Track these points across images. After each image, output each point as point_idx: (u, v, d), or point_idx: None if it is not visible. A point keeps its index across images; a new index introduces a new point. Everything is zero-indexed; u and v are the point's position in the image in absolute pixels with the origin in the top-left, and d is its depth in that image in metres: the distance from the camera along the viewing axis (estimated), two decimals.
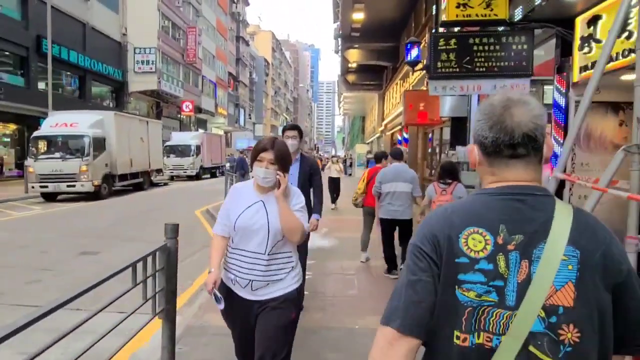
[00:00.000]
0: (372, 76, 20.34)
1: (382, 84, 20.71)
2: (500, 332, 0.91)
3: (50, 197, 14.23)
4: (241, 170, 14.03)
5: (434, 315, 0.96)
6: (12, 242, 8.01)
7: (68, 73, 25.93)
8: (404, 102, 9.88)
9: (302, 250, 3.62)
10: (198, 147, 26.16)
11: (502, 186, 1.00)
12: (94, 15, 26.82)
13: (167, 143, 26.81)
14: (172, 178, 26.04)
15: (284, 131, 4.15)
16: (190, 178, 25.68)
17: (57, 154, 13.80)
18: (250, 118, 66.20)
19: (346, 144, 65.16)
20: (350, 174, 26.76)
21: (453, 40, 4.87)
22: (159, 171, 20.87)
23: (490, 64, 4.85)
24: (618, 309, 0.93)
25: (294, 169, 3.87)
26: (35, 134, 14.29)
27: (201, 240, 8.04)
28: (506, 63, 4.83)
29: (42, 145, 14.19)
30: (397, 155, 5.79)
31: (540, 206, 0.96)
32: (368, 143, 32.72)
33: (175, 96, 35.31)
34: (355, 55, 17.94)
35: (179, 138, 26.87)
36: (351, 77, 20.39)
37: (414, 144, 13.65)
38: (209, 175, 28.47)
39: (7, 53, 21.17)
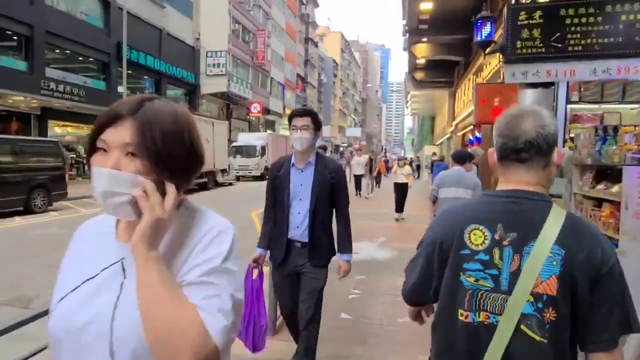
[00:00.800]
0: (441, 73, 18.96)
1: (453, 81, 19.26)
2: (497, 312, 1.15)
3: None
4: None
5: (442, 296, 1.24)
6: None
7: (145, 77, 27.42)
8: (475, 97, 8.69)
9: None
10: (263, 148, 26.32)
11: (504, 190, 1.23)
12: (169, 22, 28.08)
13: (234, 144, 27.36)
14: (238, 178, 26.45)
15: (290, 118, 2.91)
16: (255, 178, 25.92)
17: None
18: None
19: (415, 145, 63.05)
20: (417, 177, 25.46)
21: (538, 13, 3.83)
22: (224, 171, 21.12)
23: (588, 41, 3.76)
24: (591, 301, 1.11)
25: (306, 176, 2.84)
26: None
27: (253, 244, 7.59)
28: (612, 39, 3.71)
29: None
30: (459, 158, 4.91)
31: (535, 209, 1.17)
32: (438, 144, 31.01)
33: (244, 98, 36.08)
34: (423, 50, 16.73)
35: (244, 139, 27.25)
36: (419, 75, 19.17)
37: (488, 146, 12.30)
38: None
39: (91, 59, 22.70)
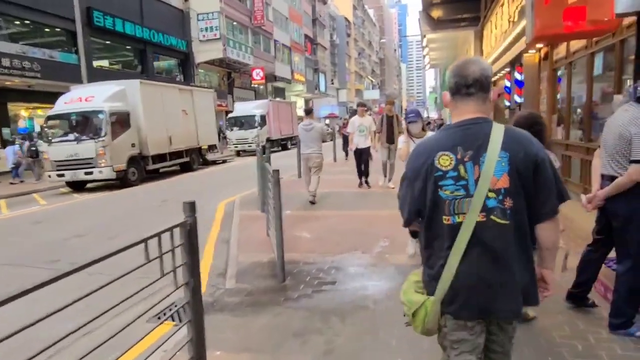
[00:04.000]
0: (464, 6, 15.32)
1: (479, 16, 15.54)
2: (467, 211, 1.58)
3: (77, 186, 12.21)
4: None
5: (429, 208, 1.64)
6: None
7: (128, 47, 24.58)
8: None
9: None
10: (263, 118, 23.33)
11: (458, 121, 1.64)
12: None
13: (230, 115, 24.50)
14: (238, 153, 23.69)
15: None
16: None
17: (72, 136, 11.57)
18: (332, 83, 62.40)
19: (438, 104, 58.56)
20: None
21: None
22: (213, 147, 18.31)
23: None
24: (535, 184, 1.56)
25: None
26: (49, 113, 12.22)
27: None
28: None
29: (57, 126, 12.09)
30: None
31: (482, 129, 1.59)
32: None
33: (244, 64, 32.85)
34: None
35: (241, 109, 24.26)
36: (436, 12, 15.53)
37: (533, 90, 8.94)
38: (279, 148, 25.65)
39: (58, 29, 19.92)
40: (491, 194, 1.54)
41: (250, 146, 22.96)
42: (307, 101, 48.33)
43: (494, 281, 1.57)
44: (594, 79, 6.33)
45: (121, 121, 12.08)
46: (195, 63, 29.48)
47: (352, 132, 9.21)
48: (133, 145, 12.52)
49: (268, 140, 23.67)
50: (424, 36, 17.28)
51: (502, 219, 1.55)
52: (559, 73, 8.10)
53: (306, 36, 48.08)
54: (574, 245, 4.22)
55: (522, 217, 1.57)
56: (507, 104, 11.55)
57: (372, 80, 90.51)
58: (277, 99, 35.56)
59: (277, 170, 4.18)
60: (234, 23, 31.98)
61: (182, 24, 28.28)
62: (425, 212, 1.66)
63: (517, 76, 9.76)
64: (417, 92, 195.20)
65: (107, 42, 22.76)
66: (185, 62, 29.07)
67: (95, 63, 21.36)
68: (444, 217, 1.60)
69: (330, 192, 8.95)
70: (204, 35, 29.07)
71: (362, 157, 9.21)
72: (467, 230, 1.55)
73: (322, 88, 54.62)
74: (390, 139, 8.65)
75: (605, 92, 6.11)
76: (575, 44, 6.95)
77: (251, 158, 22.42)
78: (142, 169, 12.95)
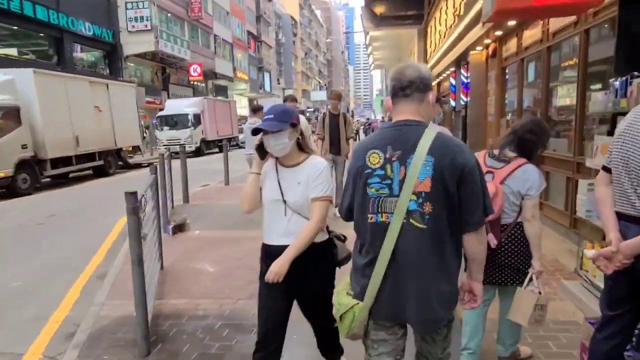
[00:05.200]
0: (408, 3, 14.57)
1: (423, 14, 14.85)
2: (392, 211, 1.56)
3: None
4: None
5: (357, 206, 1.65)
6: None
7: (42, 34, 21.79)
8: None
9: None
10: (197, 117, 21.48)
11: (394, 121, 1.64)
12: None
13: (159, 113, 22.39)
14: (170, 155, 21.63)
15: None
16: (191, 154, 21.25)
17: None
18: (279, 83, 60.87)
19: (384, 106, 58.79)
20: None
21: None
22: (136, 149, 16.33)
23: None
24: (460, 195, 1.53)
25: None
26: None
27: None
28: None
29: None
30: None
31: (414, 131, 1.57)
32: None
33: (180, 59, 30.62)
34: None
35: (173, 106, 22.22)
36: (379, 8, 14.65)
37: (480, 91, 8.13)
38: (217, 150, 23.85)
39: None
40: (412, 197, 1.54)
41: (182, 148, 21.03)
42: (251, 100, 46.57)
43: (408, 287, 1.57)
44: (552, 77, 5.48)
45: (8, 118, 10.02)
46: (124, 56, 26.94)
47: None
48: (24, 146, 10.46)
49: (203, 141, 21.89)
50: (367, 33, 16.36)
51: (420, 222, 1.54)
52: (508, 72, 7.31)
53: (250, 33, 46.25)
54: (553, 293, 3.23)
55: (441, 224, 1.55)
56: (453, 104, 10.76)
57: (319, 81, 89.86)
58: (215, 97, 33.61)
59: (134, 193, 2.80)
60: (168, 14, 29.71)
61: (108, 12, 25.67)
62: (354, 210, 1.69)
63: (463, 76, 8.95)
64: (364, 95, 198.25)
65: (15, 27, 19.97)
66: (112, 55, 26.43)
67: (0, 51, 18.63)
68: (368, 215, 1.61)
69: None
70: (133, 26, 26.62)
71: None
72: (394, 231, 1.56)
73: (267, 87, 52.95)
74: (336, 148, 6.27)
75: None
76: (529, 38, 6.12)
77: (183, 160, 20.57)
78: (37, 175, 10.89)
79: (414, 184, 1.51)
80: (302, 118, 7.02)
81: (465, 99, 8.97)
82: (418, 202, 1.52)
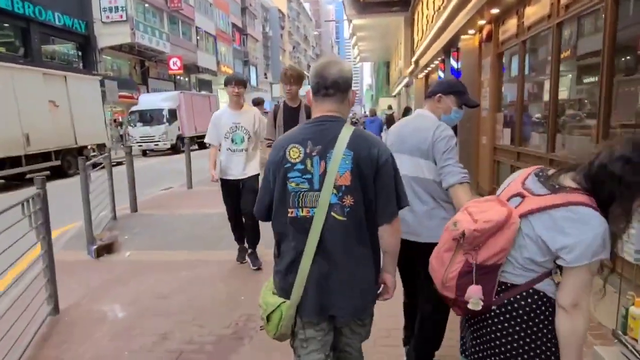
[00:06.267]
0: None
1: (409, 0, 13.73)
2: (313, 205, 1.56)
3: None
4: None
5: (276, 200, 1.62)
6: None
7: (6, 24, 20.32)
8: None
9: None
10: (173, 112, 20.22)
11: (314, 117, 1.66)
12: None
13: (133, 108, 21.05)
14: (144, 153, 20.38)
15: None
16: (167, 152, 20.02)
17: None
18: (266, 77, 59.49)
19: (373, 101, 57.79)
20: None
21: None
22: (102, 147, 15.06)
23: None
24: (375, 187, 1.58)
25: None
26: None
27: None
28: None
29: None
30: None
31: (333, 127, 1.60)
32: (394, 95, 25.68)
33: (159, 51, 29.24)
34: None
35: (147, 101, 20.87)
36: None
37: (472, 81, 7.04)
38: (196, 147, 22.56)
39: None
40: (333, 190, 1.56)
41: (157, 145, 19.80)
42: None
43: (333, 279, 1.58)
44: (565, 62, 4.41)
45: None
46: (98, 48, 25.52)
47: (214, 145, 4.31)
48: None
49: (179, 137, 20.62)
50: (350, 22, 15.21)
51: (340, 215, 1.57)
52: (506, 58, 6.24)
53: (234, 25, 44.79)
54: None
55: (360, 216, 1.58)
56: None
57: (308, 76, 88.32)
58: (199, 91, 32.27)
59: None
60: (146, 5, 28.31)
61: (81, 2, 24.19)
62: (273, 206, 1.66)
63: (453, 64, 7.88)
64: (355, 89, 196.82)
65: None
66: (86, 47, 24.99)
67: None
68: (288, 209, 1.60)
69: (212, 213, 6.38)
70: (107, 17, 25.18)
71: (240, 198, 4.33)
72: (317, 226, 1.55)
73: (254, 82, 51.56)
74: None
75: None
76: (532, 15, 5.04)
77: (157, 159, 19.30)
78: None
79: (335, 178, 1.55)
80: (252, 113, 4.26)
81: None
82: (338, 196, 1.56)
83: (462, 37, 7.36)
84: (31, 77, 11.74)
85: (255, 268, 4.20)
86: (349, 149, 1.55)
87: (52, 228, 3.55)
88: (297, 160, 1.58)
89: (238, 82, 4.14)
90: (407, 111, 11.45)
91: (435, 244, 1.58)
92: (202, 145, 23.06)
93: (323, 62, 1.65)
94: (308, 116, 3.42)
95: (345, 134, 1.57)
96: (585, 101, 4.19)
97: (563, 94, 4.56)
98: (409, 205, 1.71)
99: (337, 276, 1.56)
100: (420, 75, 14.23)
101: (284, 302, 1.60)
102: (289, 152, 1.60)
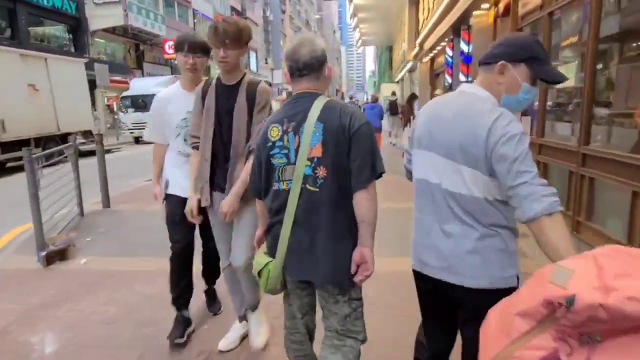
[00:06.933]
0: None
1: None
2: (290, 179, 1.65)
3: None
4: None
5: (264, 177, 1.74)
6: None
7: None
8: None
9: None
10: None
11: (292, 96, 1.74)
12: None
13: (124, 93, 20.26)
14: (136, 140, 19.65)
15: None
16: None
17: None
18: (266, 63, 58.28)
19: (376, 87, 56.67)
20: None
21: None
22: (88, 134, 14.32)
23: None
24: (350, 156, 1.62)
25: None
26: None
27: None
28: None
29: None
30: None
31: (306, 102, 1.67)
32: (397, 82, 24.73)
33: (154, 34, 28.34)
34: None
35: (139, 86, 20.04)
36: None
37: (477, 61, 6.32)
38: None
39: None
40: (307, 162, 1.62)
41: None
42: None
43: (305, 246, 1.66)
44: (604, 36, 3.63)
45: None
46: (90, 30, 24.60)
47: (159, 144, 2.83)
48: None
49: None
50: (351, 1, 14.29)
51: (313, 186, 1.62)
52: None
53: (233, 8, 43.61)
54: None
55: (333, 187, 1.62)
56: (449, 82, 8.85)
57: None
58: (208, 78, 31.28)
59: None
60: None
61: None
62: (263, 181, 1.76)
63: (464, 46, 7.06)
64: (357, 77, 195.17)
65: None
66: (77, 29, 24.10)
67: None
68: (273, 183, 1.70)
69: None
70: None
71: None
72: (294, 198, 1.63)
73: (253, 67, 50.45)
74: (223, 175, 2.45)
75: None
76: None
77: (150, 146, 18.46)
78: None
79: (307, 150, 1.61)
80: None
81: (465, 75, 7.10)
82: (312, 167, 1.62)
83: (474, 12, 6.53)
84: (7, 58, 10.93)
85: (216, 312, 3.14)
86: (319, 121, 1.62)
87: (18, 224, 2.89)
88: (277, 138, 1.69)
89: (193, 47, 2.54)
90: (412, 98, 10.60)
91: (490, 292, 1.31)
92: None
93: (295, 44, 1.69)
94: (252, 99, 2.31)
95: (317, 107, 1.64)
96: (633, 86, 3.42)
97: (602, 78, 3.78)
98: (385, 173, 1.68)
99: (312, 245, 1.65)
100: (425, 59, 13.36)
101: (271, 261, 1.74)
102: (270, 131, 1.71)
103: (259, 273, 1.77)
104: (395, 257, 3.25)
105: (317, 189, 1.60)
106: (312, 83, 1.69)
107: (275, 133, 1.68)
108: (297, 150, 1.63)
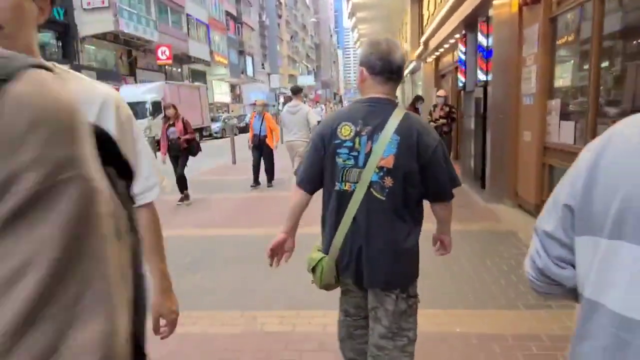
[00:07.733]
0: None
1: None
2: (355, 181, 1.70)
3: None
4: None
5: (326, 174, 1.78)
6: None
7: None
8: None
9: None
10: (157, 104, 18.61)
11: (367, 97, 1.76)
12: None
13: None
14: None
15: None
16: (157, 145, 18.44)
17: None
18: (263, 68, 57.58)
19: None
20: None
21: None
22: None
23: None
24: (427, 174, 1.70)
25: None
26: None
27: None
28: None
29: None
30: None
31: (385, 109, 1.71)
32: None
33: (147, 40, 27.50)
34: None
35: (128, 93, 19.24)
36: None
37: (510, 60, 5.38)
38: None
39: None
40: (375, 170, 1.67)
41: None
42: (233, 86, 43.45)
43: (364, 250, 1.72)
44: None
45: None
46: (79, 37, 23.80)
47: None
48: None
49: None
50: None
51: (380, 194, 1.69)
52: (562, 24, 4.58)
53: (228, 13, 42.84)
54: None
55: (398, 198, 1.69)
56: (462, 82, 7.98)
57: (307, 66, 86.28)
58: (192, 82, 30.53)
59: None
60: None
61: None
62: (324, 177, 1.80)
63: (482, 39, 6.20)
64: (355, 80, 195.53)
65: None
66: (66, 36, 23.29)
67: None
68: (336, 182, 1.75)
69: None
70: (88, 3, 23.47)
71: None
72: (357, 200, 1.70)
73: (250, 72, 49.71)
74: None
75: None
76: None
77: None
78: None
79: (378, 159, 1.67)
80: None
81: (485, 72, 6.24)
82: (379, 175, 1.68)
83: (495, 2, 5.68)
84: None
85: None
86: (397, 134, 1.68)
87: None
88: (348, 137, 1.73)
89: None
90: (417, 100, 9.74)
91: None
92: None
93: (389, 45, 1.72)
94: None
95: (396, 117, 1.70)
96: None
97: None
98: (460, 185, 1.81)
99: (367, 248, 1.73)
100: (430, 59, 12.53)
101: (324, 257, 1.84)
102: (341, 129, 1.74)
103: (313, 269, 1.86)
104: None
105: (384, 198, 1.70)
106: (394, 89, 1.78)
107: (346, 132, 1.73)
108: (367, 156, 1.69)
